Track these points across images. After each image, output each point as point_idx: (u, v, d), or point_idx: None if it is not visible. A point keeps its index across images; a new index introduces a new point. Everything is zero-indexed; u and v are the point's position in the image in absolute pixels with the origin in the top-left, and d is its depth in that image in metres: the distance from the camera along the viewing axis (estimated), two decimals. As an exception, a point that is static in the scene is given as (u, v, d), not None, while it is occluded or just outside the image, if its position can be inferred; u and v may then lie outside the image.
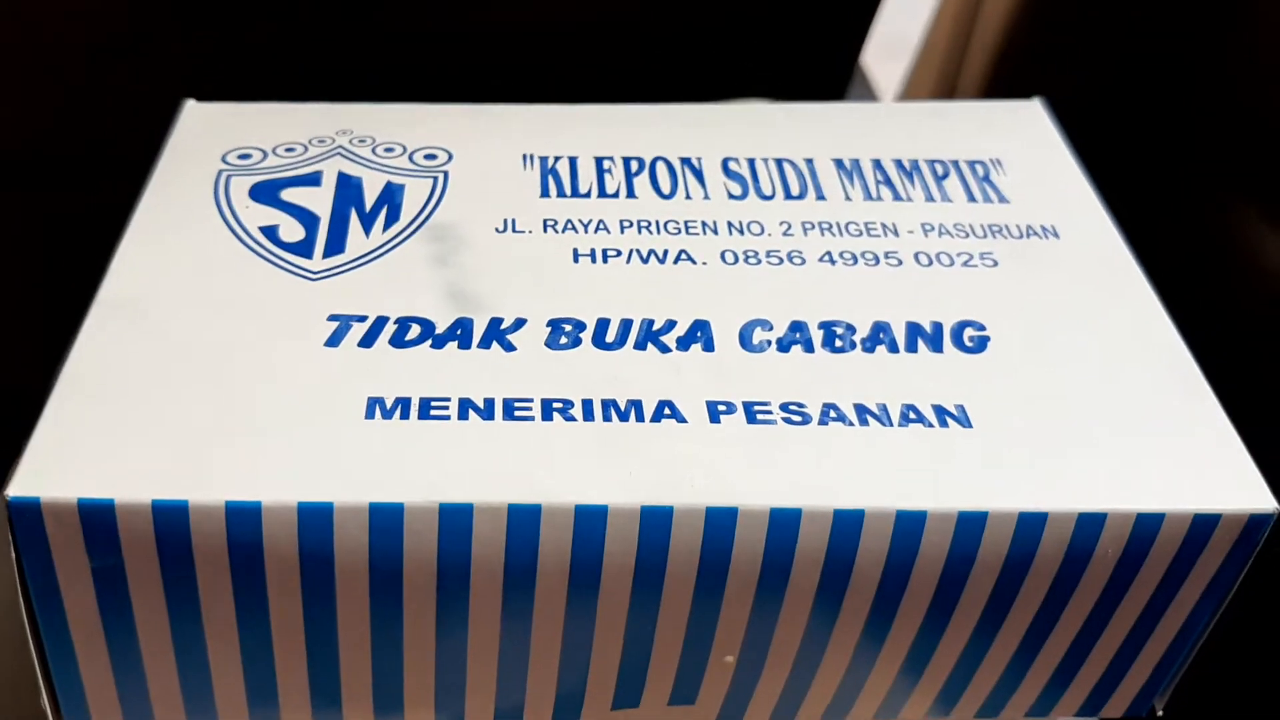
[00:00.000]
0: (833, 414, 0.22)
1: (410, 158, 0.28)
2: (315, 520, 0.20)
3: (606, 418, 0.22)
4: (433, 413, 0.22)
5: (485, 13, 0.39)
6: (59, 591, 0.20)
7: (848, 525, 0.21)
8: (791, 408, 0.22)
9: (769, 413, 0.22)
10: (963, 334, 0.24)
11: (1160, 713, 0.26)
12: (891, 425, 0.22)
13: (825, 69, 0.45)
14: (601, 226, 0.26)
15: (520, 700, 0.23)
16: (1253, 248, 0.36)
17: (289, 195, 0.26)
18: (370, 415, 0.21)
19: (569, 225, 0.26)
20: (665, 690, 0.23)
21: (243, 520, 0.20)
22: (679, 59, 0.30)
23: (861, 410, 0.22)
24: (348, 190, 0.27)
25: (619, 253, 0.26)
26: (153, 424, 0.21)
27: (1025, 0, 0.43)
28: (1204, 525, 0.22)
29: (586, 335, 0.24)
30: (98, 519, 0.20)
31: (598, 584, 0.21)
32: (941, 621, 0.23)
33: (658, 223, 0.26)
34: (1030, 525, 0.21)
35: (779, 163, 0.29)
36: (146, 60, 0.38)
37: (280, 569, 0.20)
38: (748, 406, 0.22)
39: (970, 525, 0.21)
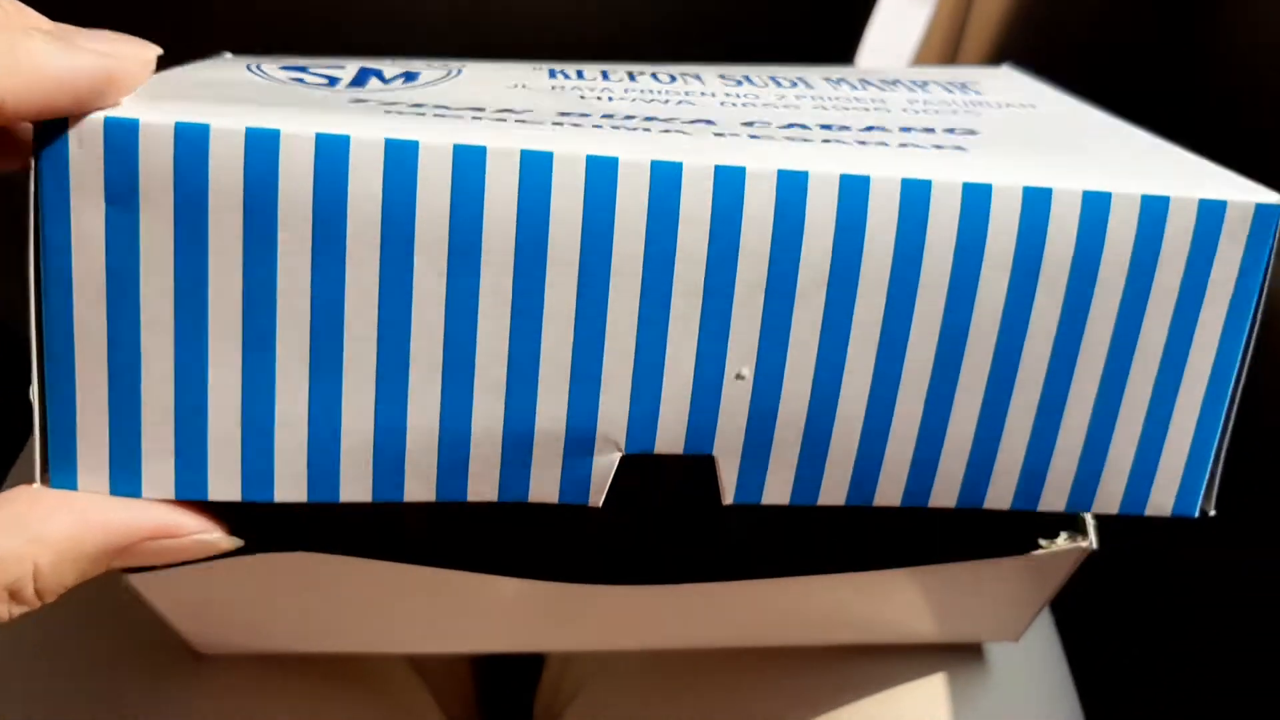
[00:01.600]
0: (834, 139, 0.23)
1: (427, 66, 0.30)
2: (331, 151, 0.20)
3: (615, 128, 0.23)
4: (449, 115, 0.22)
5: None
6: (70, 223, 0.20)
7: (854, 191, 0.21)
8: (794, 128, 0.23)
9: (771, 135, 0.23)
10: (954, 131, 0.25)
11: (1212, 512, 0.24)
12: (890, 148, 0.23)
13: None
14: (607, 93, 0.28)
15: (530, 425, 0.22)
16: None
17: (314, 67, 0.28)
18: (389, 113, 0.22)
19: (576, 90, 0.28)
20: (681, 423, 0.22)
21: (261, 147, 0.20)
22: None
23: (862, 143, 0.23)
24: (368, 70, 0.28)
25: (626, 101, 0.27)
26: (181, 99, 0.21)
27: (1013, 8, 0.46)
28: (1211, 214, 0.22)
29: (595, 120, 0.25)
30: (120, 139, 0.20)
31: (610, 248, 0.21)
32: (962, 323, 0.22)
33: (661, 92, 0.28)
34: (1036, 201, 0.21)
35: (771, 77, 0.31)
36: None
37: (293, 205, 0.20)
38: (750, 135, 0.23)
39: (977, 198, 0.21)
